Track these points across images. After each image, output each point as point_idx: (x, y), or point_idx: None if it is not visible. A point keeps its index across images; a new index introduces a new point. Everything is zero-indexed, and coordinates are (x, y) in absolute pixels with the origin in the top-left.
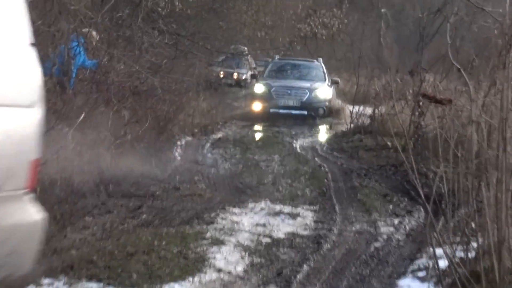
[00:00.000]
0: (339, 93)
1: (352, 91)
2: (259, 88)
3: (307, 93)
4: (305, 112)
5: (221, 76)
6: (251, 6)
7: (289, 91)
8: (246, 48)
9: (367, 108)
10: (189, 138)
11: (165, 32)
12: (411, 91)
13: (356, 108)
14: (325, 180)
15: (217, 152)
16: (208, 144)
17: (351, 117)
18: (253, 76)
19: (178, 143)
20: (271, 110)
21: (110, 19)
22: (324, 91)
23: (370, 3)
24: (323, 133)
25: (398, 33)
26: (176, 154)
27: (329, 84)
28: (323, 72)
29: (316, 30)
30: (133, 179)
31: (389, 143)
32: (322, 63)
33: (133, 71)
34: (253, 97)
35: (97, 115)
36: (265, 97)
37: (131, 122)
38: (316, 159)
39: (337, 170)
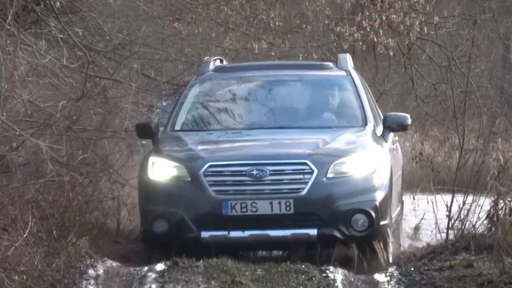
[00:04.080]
0: (423, 167)
1: (450, 165)
2: (160, 170)
3: (311, 172)
4: (310, 233)
5: None
6: None
7: (255, 171)
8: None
9: (483, 200)
10: (110, 264)
11: (61, 43)
12: None
13: (459, 199)
14: None
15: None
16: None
17: (449, 218)
18: (140, 131)
19: (90, 272)
20: (206, 235)
21: None
22: (365, 160)
23: None
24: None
25: None
26: None
27: (380, 132)
28: (357, 95)
29: (376, 38)
30: None
31: None
32: (352, 69)
33: None
34: (146, 197)
35: None
36: (183, 198)
37: None
38: None
39: None
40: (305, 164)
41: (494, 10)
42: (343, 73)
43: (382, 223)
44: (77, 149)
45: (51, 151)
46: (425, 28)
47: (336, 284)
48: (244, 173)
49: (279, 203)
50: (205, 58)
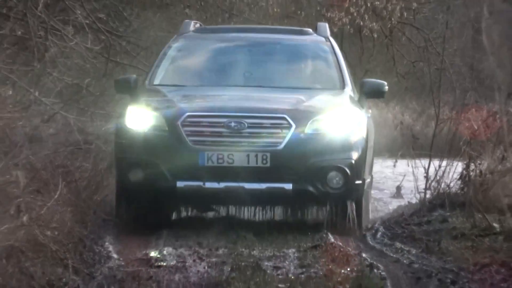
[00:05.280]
0: (403, 135)
1: (427, 133)
2: (137, 119)
3: (289, 127)
4: (285, 187)
5: None
6: None
7: (233, 123)
8: None
9: (456, 163)
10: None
11: (86, 28)
12: None
13: (436, 163)
14: None
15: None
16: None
17: (426, 179)
18: (120, 86)
19: (112, 229)
20: (181, 185)
21: None
22: (343, 118)
23: None
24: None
25: (509, 29)
26: (111, 247)
27: (356, 95)
28: (336, 61)
29: (362, 22)
30: None
31: (496, 225)
32: (330, 37)
33: (30, 100)
34: (125, 146)
35: None
36: (160, 147)
37: (29, 192)
38: (363, 254)
39: (402, 275)
40: (284, 118)
41: None
42: (322, 39)
43: (356, 182)
44: (100, 120)
45: (78, 123)
46: (405, 13)
47: (328, 237)
48: (222, 124)
49: (256, 156)
50: (185, 21)
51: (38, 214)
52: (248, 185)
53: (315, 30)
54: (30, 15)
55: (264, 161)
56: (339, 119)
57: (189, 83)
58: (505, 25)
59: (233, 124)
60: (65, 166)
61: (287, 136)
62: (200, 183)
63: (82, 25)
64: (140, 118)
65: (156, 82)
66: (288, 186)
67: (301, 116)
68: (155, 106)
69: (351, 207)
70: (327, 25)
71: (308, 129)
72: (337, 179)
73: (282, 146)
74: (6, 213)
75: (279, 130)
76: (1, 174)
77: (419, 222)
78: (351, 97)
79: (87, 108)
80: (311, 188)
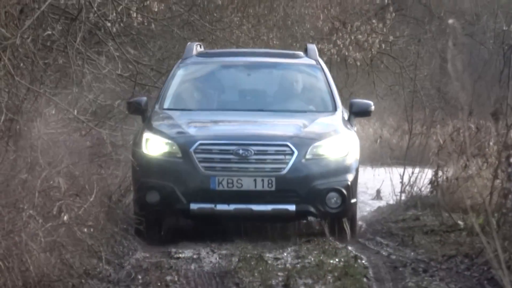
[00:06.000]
0: (382, 147)
1: (402, 145)
2: (153, 146)
3: (291, 153)
4: (288, 208)
5: None
6: (248, 18)
7: (241, 150)
8: None
9: (426, 170)
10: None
11: (117, 58)
12: (492, 142)
13: (409, 170)
14: (364, 280)
15: (199, 236)
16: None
17: (402, 184)
18: (131, 108)
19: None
20: (194, 207)
21: (34, 39)
22: (340, 143)
23: (427, 11)
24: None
25: (471, 56)
26: (136, 242)
27: (346, 115)
28: (327, 83)
29: (347, 53)
30: (73, 281)
31: (460, 222)
32: (319, 59)
33: (69, 118)
34: (143, 170)
35: (15, 186)
36: (175, 172)
37: (69, 195)
38: (349, 247)
39: (381, 264)
40: (287, 146)
41: (433, 31)
42: (313, 62)
43: (352, 201)
44: (128, 135)
45: (110, 137)
46: (383, 45)
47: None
48: (231, 151)
49: (262, 180)
50: (188, 44)
51: (77, 214)
52: (255, 207)
53: (305, 52)
54: (69, 47)
55: (270, 185)
56: (337, 144)
57: (195, 107)
58: (467, 55)
59: (241, 151)
60: (99, 173)
61: (290, 161)
62: (212, 205)
63: (113, 55)
64: (155, 145)
65: (166, 106)
66: (292, 207)
67: (303, 143)
68: (168, 134)
69: (347, 222)
70: (315, 47)
71: (308, 155)
72: (335, 199)
73: (285, 171)
74: (49, 213)
75: (282, 156)
76: (46, 180)
77: (395, 220)
78: (344, 120)
79: (117, 125)
80: (312, 209)
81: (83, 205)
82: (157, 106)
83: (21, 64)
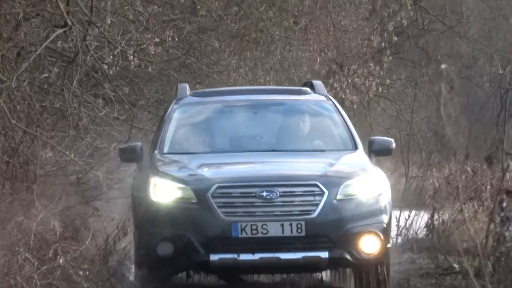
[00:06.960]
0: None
1: (399, 188)
2: (162, 191)
3: (322, 194)
4: (321, 255)
5: None
6: (245, 61)
7: (265, 193)
8: None
9: (422, 213)
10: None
11: (113, 101)
12: (488, 186)
13: (405, 213)
14: None
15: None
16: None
17: (398, 227)
18: (125, 155)
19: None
20: (215, 258)
21: (30, 82)
22: (372, 181)
23: (424, 54)
24: None
25: (467, 99)
26: (133, 285)
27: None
28: (343, 120)
29: (344, 95)
30: None
31: (456, 265)
32: (329, 95)
33: (66, 161)
34: (151, 219)
35: (11, 229)
36: (189, 220)
37: (64, 238)
38: None
39: None
40: (316, 185)
41: (430, 74)
42: (323, 98)
43: (388, 245)
44: (126, 178)
45: (106, 179)
46: (380, 88)
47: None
48: (253, 194)
49: (290, 225)
50: (180, 85)
51: (72, 257)
52: (283, 255)
53: (312, 88)
54: (66, 90)
55: (299, 230)
56: (369, 183)
57: (200, 150)
58: (464, 98)
59: (265, 193)
60: (95, 215)
61: (320, 203)
62: (235, 255)
63: (110, 98)
64: (165, 190)
65: (166, 150)
66: (324, 255)
67: (332, 182)
68: (180, 177)
69: (382, 269)
70: (321, 83)
71: (340, 195)
72: (372, 244)
73: (316, 213)
74: (45, 256)
75: (311, 198)
76: (42, 223)
77: (391, 263)
78: (369, 158)
79: (114, 168)
80: (347, 256)
81: (78, 247)
82: (156, 151)
83: (18, 107)
